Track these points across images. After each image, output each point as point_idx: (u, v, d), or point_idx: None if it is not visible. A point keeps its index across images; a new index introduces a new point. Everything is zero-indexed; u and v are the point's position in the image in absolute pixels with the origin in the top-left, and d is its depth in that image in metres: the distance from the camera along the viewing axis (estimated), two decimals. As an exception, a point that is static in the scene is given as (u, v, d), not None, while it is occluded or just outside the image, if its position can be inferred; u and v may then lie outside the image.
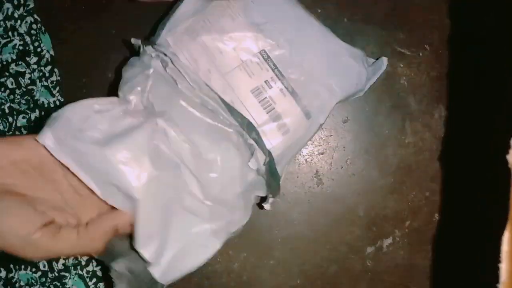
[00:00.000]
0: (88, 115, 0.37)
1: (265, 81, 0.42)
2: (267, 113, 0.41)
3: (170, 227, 0.37)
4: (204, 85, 0.40)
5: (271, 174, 0.41)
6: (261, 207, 0.44)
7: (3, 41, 0.49)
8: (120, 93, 0.41)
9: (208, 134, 0.39)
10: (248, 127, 0.40)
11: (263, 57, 0.42)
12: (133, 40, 0.42)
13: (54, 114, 0.36)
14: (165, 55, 0.41)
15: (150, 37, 0.44)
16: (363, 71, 0.44)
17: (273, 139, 0.41)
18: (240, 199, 0.40)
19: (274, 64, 0.42)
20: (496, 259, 0.22)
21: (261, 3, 0.42)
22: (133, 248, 0.37)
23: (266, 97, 0.41)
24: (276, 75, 0.42)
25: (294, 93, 0.42)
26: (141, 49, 0.41)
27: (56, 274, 0.49)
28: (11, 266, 0.49)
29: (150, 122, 0.38)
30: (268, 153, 0.40)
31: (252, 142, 0.40)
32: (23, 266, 0.49)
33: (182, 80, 0.40)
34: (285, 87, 0.42)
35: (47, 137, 0.35)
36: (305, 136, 0.43)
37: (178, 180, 0.38)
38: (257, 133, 0.40)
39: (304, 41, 0.43)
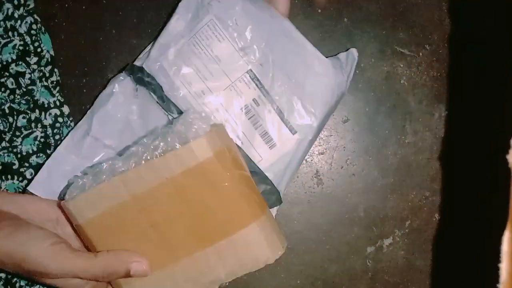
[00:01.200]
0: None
1: (253, 99, 0.45)
2: (255, 129, 0.45)
3: None
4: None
5: (264, 184, 0.45)
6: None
7: (3, 41, 0.49)
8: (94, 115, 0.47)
9: None
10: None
11: (250, 76, 0.45)
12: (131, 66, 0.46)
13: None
14: (155, 82, 0.45)
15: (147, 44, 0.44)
16: (341, 79, 0.46)
17: (262, 153, 0.45)
18: None
19: (260, 83, 0.45)
20: (496, 259, 0.22)
21: (244, 24, 0.45)
22: None
23: (254, 115, 0.45)
24: (263, 93, 0.45)
25: (279, 110, 0.45)
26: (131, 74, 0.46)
27: (56, 274, 0.49)
28: (11, 266, 0.49)
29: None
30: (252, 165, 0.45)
31: None
32: (23, 266, 0.49)
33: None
34: (270, 104, 0.45)
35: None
36: (296, 150, 0.46)
37: None
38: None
39: (286, 60, 0.46)
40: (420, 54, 0.51)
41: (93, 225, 0.39)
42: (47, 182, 0.46)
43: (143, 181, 0.38)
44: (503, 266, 0.22)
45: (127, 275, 0.38)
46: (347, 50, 0.47)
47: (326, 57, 0.46)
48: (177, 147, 0.37)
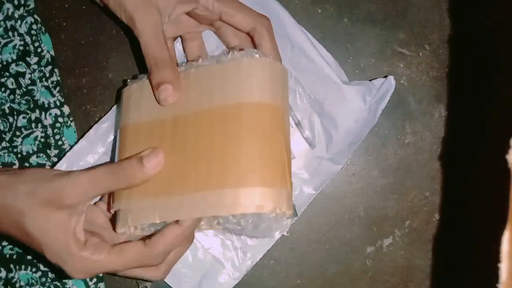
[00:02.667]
0: None
1: None
2: None
3: None
4: None
5: None
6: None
7: (3, 41, 0.49)
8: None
9: None
10: None
11: None
12: None
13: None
14: None
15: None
16: (360, 107, 0.46)
17: None
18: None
19: None
20: (496, 259, 0.22)
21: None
22: None
23: None
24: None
25: (300, 124, 0.47)
26: None
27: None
28: (11, 266, 0.49)
29: None
30: None
31: None
32: (23, 266, 0.49)
33: None
34: (291, 118, 0.47)
35: None
36: (311, 167, 0.48)
37: None
38: None
39: (307, 79, 0.47)
40: (420, 54, 0.51)
41: (128, 131, 0.39)
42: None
43: (191, 94, 0.37)
44: (503, 266, 0.22)
45: (141, 165, 0.36)
46: (385, 76, 0.47)
47: (355, 81, 0.47)
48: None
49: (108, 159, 0.47)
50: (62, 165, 0.47)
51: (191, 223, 0.36)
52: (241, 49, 0.38)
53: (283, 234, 0.47)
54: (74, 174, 0.36)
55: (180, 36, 0.46)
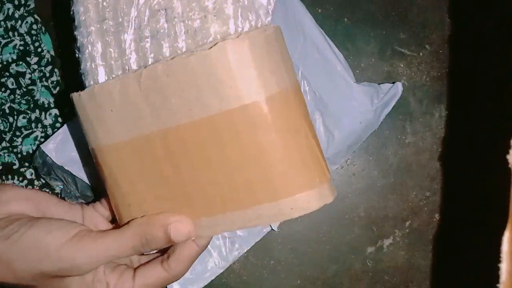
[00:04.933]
0: None
1: None
2: None
3: None
4: None
5: None
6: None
7: (3, 41, 0.49)
8: None
9: None
10: None
11: None
12: None
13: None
14: None
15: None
16: (367, 108, 0.46)
17: None
18: None
19: None
20: (496, 259, 0.22)
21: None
22: None
23: None
24: None
25: None
26: None
27: (56, 274, 0.49)
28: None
29: None
30: None
31: None
32: (23, 266, 0.49)
33: None
34: None
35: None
36: None
37: None
38: None
39: (315, 76, 0.46)
40: (420, 54, 0.51)
41: (106, 154, 0.33)
42: (62, 144, 0.46)
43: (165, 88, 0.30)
44: (503, 266, 0.22)
45: (169, 240, 0.32)
46: (393, 83, 0.47)
47: (364, 82, 0.47)
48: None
49: None
50: (57, 136, 0.46)
51: (208, 240, 0.34)
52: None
53: (278, 230, 0.49)
54: (87, 243, 0.31)
55: None
